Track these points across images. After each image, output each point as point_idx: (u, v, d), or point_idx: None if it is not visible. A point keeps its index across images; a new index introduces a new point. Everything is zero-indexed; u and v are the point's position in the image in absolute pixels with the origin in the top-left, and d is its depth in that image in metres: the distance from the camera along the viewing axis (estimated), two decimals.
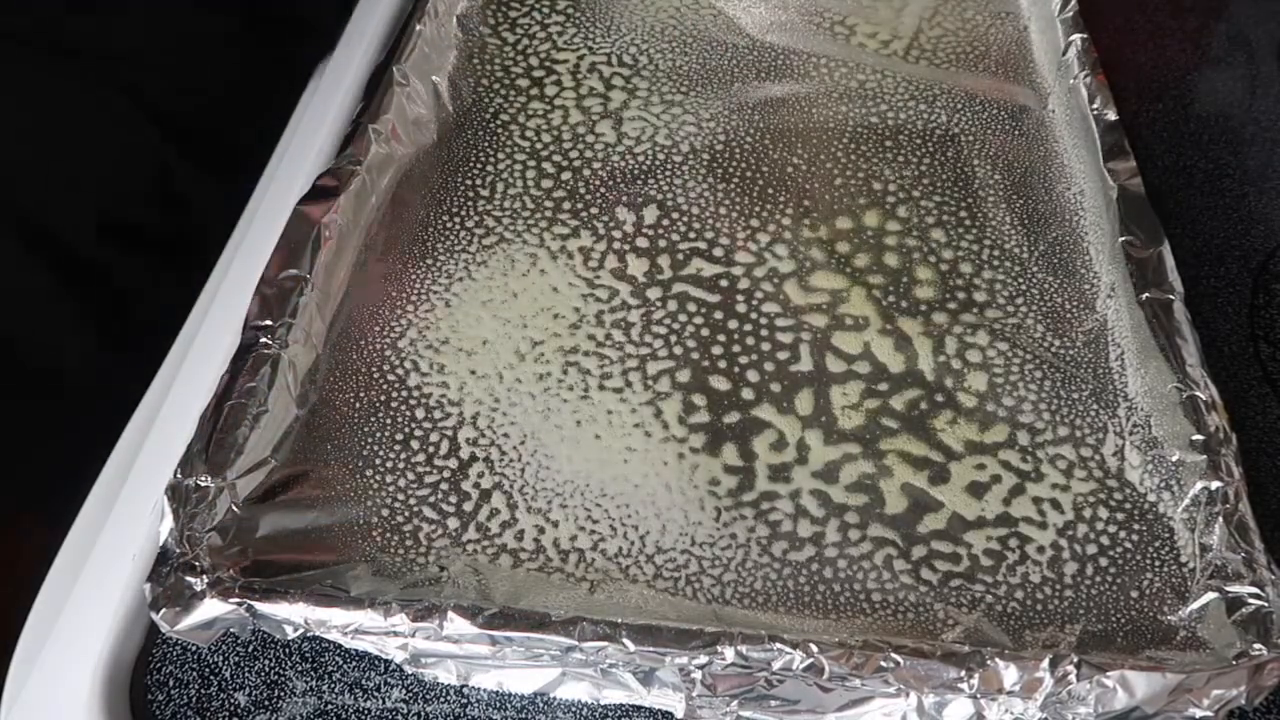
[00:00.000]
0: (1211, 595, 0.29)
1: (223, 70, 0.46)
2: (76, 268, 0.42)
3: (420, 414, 0.34)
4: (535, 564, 0.31)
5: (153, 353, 0.39)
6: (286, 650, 0.31)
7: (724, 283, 0.38)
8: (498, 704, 0.30)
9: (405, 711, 0.30)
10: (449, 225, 0.40)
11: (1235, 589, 0.29)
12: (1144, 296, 0.35)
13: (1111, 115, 0.41)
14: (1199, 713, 0.27)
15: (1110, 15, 0.53)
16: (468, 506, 0.32)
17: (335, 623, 0.28)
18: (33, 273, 0.41)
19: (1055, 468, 0.33)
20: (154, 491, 0.32)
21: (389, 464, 0.33)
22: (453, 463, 0.33)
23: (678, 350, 0.36)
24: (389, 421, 0.34)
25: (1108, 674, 0.27)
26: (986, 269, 0.39)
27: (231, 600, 0.28)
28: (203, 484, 0.30)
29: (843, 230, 0.40)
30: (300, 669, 0.31)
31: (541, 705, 0.30)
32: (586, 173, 0.42)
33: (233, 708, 0.30)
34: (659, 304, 0.38)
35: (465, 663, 0.28)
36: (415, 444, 0.33)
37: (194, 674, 0.31)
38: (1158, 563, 0.31)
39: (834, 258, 0.39)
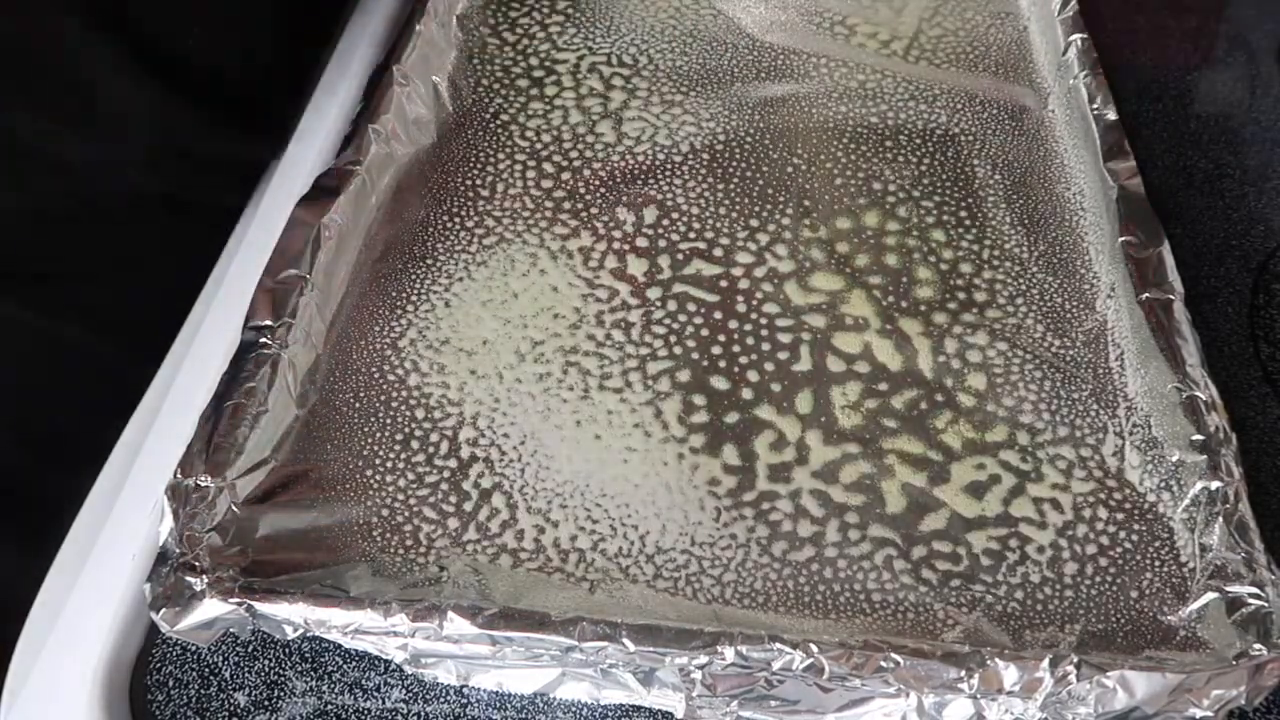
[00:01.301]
0: (1211, 595, 0.29)
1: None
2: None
3: (420, 414, 0.34)
4: (535, 564, 0.31)
5: (153, 353, 0.39)
6: (286, 650, 0.31)
7: (724, 283, 0.38)
8: (498, 704, 0.30)
9: (405, 711, 0.30)
10: (449, 225, 0.40)
11: (1235, 589, 0.29)
12: (1144, 296, 0.35)
13: (1111, 115, 0.41)
14: (1199, 713, 0.27)
15: (1110, 15, 0.53)
16: (468, 506, 0.32)
17: (335, 623, 0.28)
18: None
19: (1055, 468, 0.33)
20: (154, 491, 0.32)
21: (389, 464, 0.33)
22: (453, 463, 0.33)
23: (678, 350, 0.36)
24: (389, 421, 0.34)
25: (1108, 674, 0.27)
26: (986, 269, 0.39)
27: (231, 600, 0.28)
28: (203, 484, 0.30)
29: (843, 230, 0.40)
30: (300, 669, 0.31)
31: (541, 705, 0.30)
32: (586, 173, 0.42)
33: (233, 708, 0.30)
34: (659, 304, 0.38)
35: (465, 663, 0.28)
36: (415, 444, 0.33)
37: (194, 674, 0.31)
38: (1158, 563, 0.31)
39: (834, 258, 0.39)
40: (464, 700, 0.30)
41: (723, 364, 0.36)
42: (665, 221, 0.40)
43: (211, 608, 0.28)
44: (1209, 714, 0.27)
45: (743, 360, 0.36)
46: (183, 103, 0.42)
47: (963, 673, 0.27)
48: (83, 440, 0.38)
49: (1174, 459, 0.32)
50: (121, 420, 0.37)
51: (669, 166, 0.42)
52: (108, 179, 0.40)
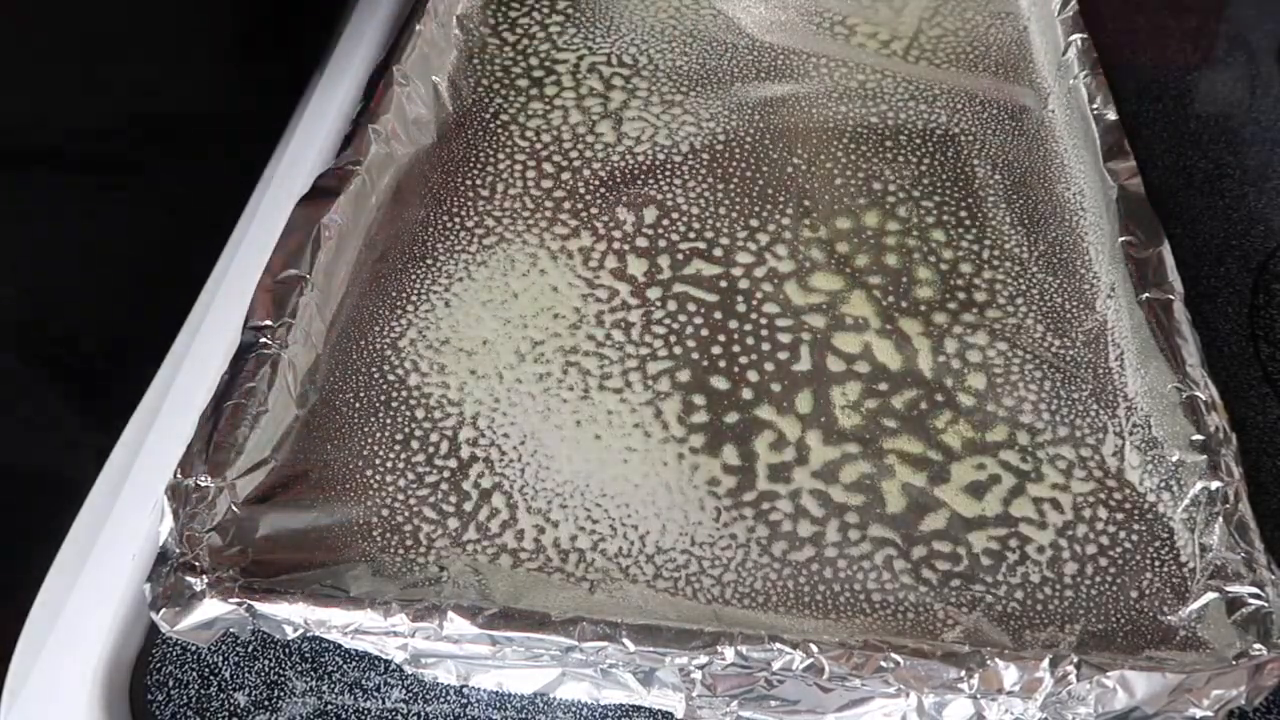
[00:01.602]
0: (1211, 595, 0.29)
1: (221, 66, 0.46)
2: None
3: (420, 414, 0.34)
4: (535, 564, 0.31)
5: (153, 353, 0.39)
6: (286, 650, 0.31)
7: (724, 283, 0.38)
8: (498, 704, 0.30)
9: (405, 711, 0.30)
10: (449, 225, 0.40)
11: (1235, 589, 0.29)
12: (1144, 296, 0.35)
13: (1111, 115, 0.41)
14: (1199, 713, 0.27)
15: (1110, 15, 0.53)
16: (468, 506, 0.32)
17: (335, 623, 0.28)
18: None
19: (1055, 468, 0.33)
20: (154, 491, 0.32)
21: (389, 464, 0.33)
22: (453, 463, 0.33)
23: (678, 350, 0.36)
24: (389, 421, 0.34)
25: (1108, 674, 0.27)
26: (986, 269, 0.39)
27: (231, 600, 0.28)
28: (203, 484, 0.30)
29: (843, 230, 0.40)
30: (300, 669, 0.31)
31: (541, 705, 0.30)
32: (586, 173, 0.42)
33: (233, 708, 0.30)
34: (659, 304, 0.38)
35: (465, 663, 0.28)
36: (415, 444, 0.33)
37: (194, 674, 0.31)
38: (1158, 563, 0.31)
39: (834, 258, 0.39)
40: (464, 700, 0.31)
41: (723, 364, 0.36)
42: (665, 221, 0.40)
43: (211, 608, 0.28)
44: (1209, 714, 0.27)
45: (743, 360, 0.36)
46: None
47: (963, 673, 0.27)
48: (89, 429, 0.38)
49: (1174, 459, 0.32)
50: (122, 420, 0.37)
51: (669, 166, 0.42)
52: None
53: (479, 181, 0.41)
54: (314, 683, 0.31)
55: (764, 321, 0.37)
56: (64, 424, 0.41)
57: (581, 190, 0.41)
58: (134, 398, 0.38)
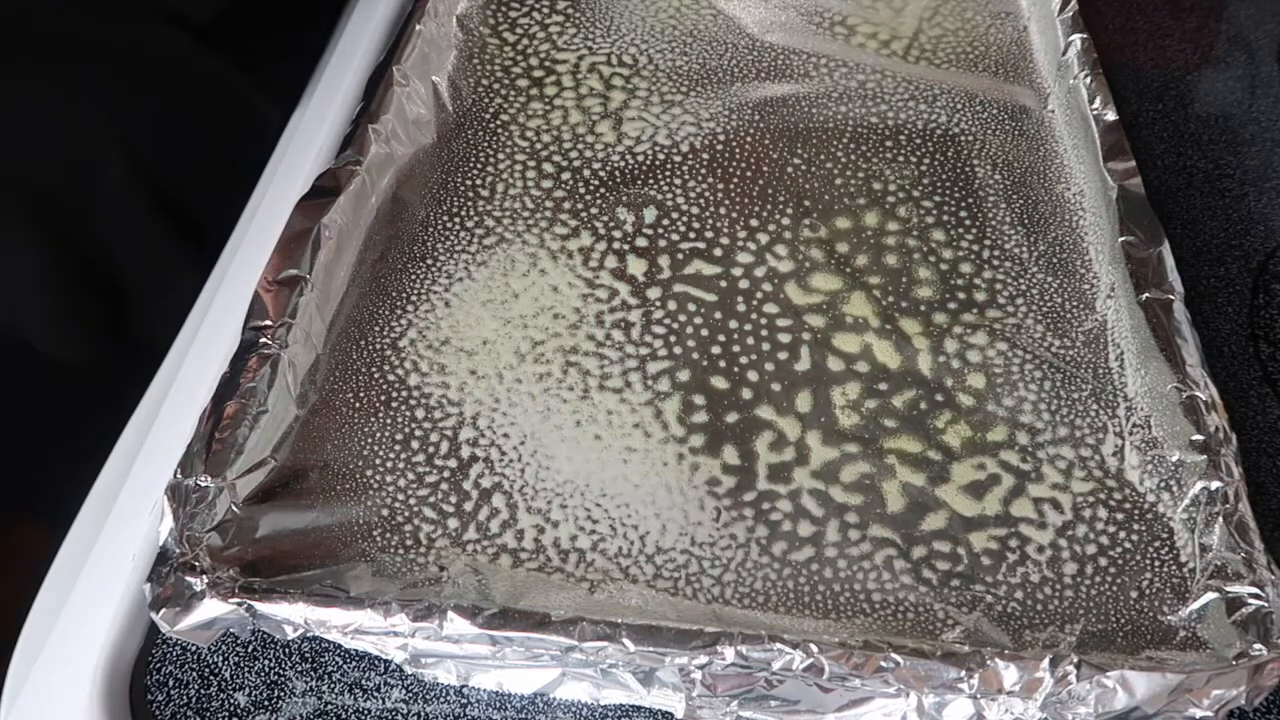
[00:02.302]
0: (1211, 595, 0.29)
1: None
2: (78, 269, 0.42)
3: (420, 414, 0.34)
4: (535, 564, 0.31)
5: (153, 353, 0.39)
6: (286, 650, 0.31)
7: (724, 283, 0.38)
8: (498, 704, 0.30)
9: (405, 711, 0.30)
10: (449, 225, 0.40)
11: (1235, 589, 0.29)
12: (1144, 296, 0.35)
13: (1111, 115, 0.41)
14: (1199, 713, 0.27)
15: (1110, 15, 0.53)
16: (468, 506, 0.32)
17: (335, 623, 0.28)
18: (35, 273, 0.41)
19: (1055, 468, 0.33)
20: (154, 491, 0.32)
21: (389, 464, 0.33)
22: (453, 463, 0.33)
23: (677, 350, 0.36)
24: (389, 421, 0.34)
25: (1108, 674, 0.27)
26: (986, 269, 0.39)
27: (231, 600, 0.28)
28: (202, 484, 0.30)
29: (842, 230, 0.40)
30: (300, 669, 0.31)
31: (541, 705, 0.30)
32: (586, 173, 0.42)
33: (233, 708, 0.30)
34: (659, 304, 0.38)
35: (465, 663, 0.28)
36: (415, 444, 0.33)
37: (194, 674, 0.31)
38: (1158, 563, 0.31)
39: (834, 258, 0.39)
40: (464, 700, 0.31)
41: (723, 364, 0.36)
42: (665, 221, 0.40)
43: (211, 608, 0.28)
44: (1209, 714, 0.27)
45: (743, 360, 0.36)
46: None
47: (963, 673, 0.27)
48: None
49: (1174, 459, 0.32)
50: (122, 420, 0.37)
51: (669, 166, 0.42)
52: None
53: (479, 181, 0.41)
54: (314, 683, 0.31)
55: (764, 321, 0.37)
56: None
57: (581, 190, 0.41)
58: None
